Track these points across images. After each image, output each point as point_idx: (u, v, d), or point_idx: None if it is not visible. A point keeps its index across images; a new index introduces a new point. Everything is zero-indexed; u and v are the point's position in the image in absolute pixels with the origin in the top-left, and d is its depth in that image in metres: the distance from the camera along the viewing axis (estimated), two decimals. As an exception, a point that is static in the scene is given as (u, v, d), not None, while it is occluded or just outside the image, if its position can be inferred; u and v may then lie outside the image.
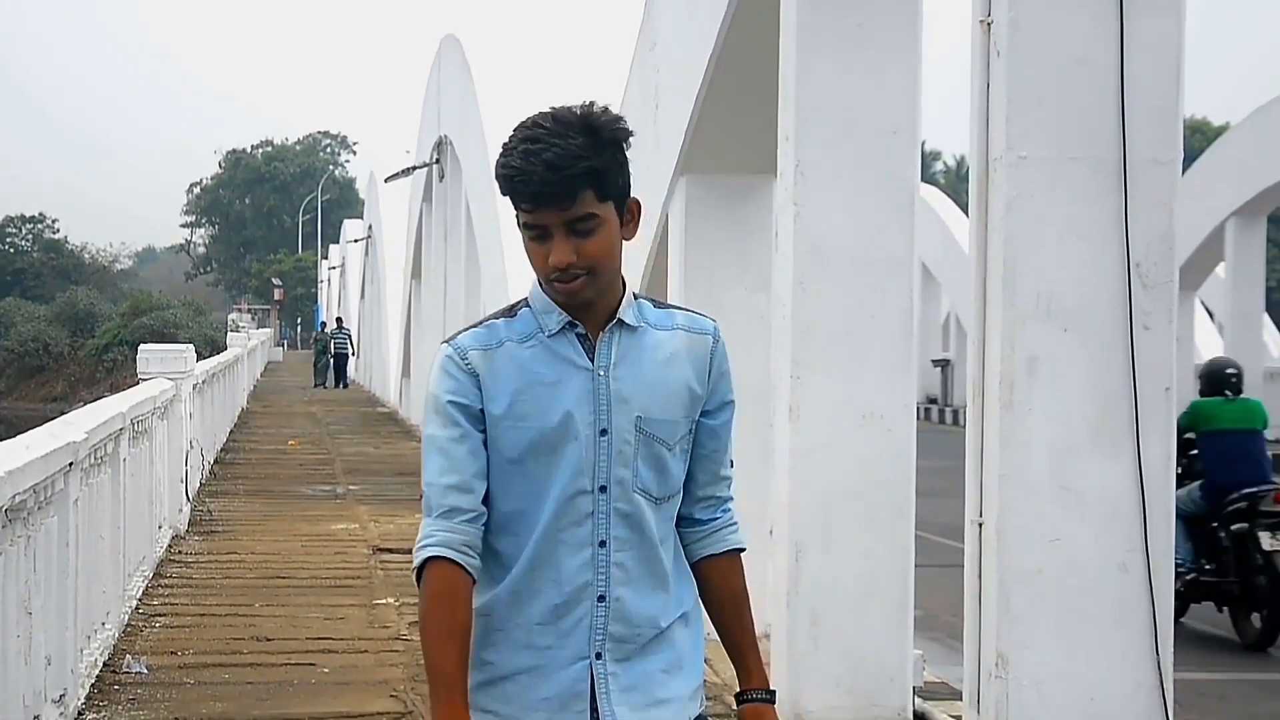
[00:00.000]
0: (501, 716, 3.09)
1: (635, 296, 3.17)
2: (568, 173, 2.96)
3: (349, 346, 49.90)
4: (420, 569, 3.04)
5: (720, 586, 3.27)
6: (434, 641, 2.99)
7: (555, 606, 3.06)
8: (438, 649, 2.99)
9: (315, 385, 47.35)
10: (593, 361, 3.08)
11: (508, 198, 3.02)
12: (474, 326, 3.14)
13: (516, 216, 3.03)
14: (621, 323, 3.11)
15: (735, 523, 3.31)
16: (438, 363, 3.10)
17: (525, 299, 3.15)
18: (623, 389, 3.08)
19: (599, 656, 3.08)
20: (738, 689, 3.26)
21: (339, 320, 53.06)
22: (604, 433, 3.06)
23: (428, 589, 3.02)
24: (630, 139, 3.07)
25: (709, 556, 3.26)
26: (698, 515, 3.25)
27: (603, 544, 3.07)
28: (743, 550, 3.31)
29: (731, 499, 3.31)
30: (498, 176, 3.01)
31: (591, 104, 3.05)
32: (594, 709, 3.07)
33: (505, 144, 3.02)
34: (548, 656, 3.07)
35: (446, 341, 3.13)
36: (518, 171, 2.97)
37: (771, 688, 3.28)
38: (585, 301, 3.06)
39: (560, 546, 3.06)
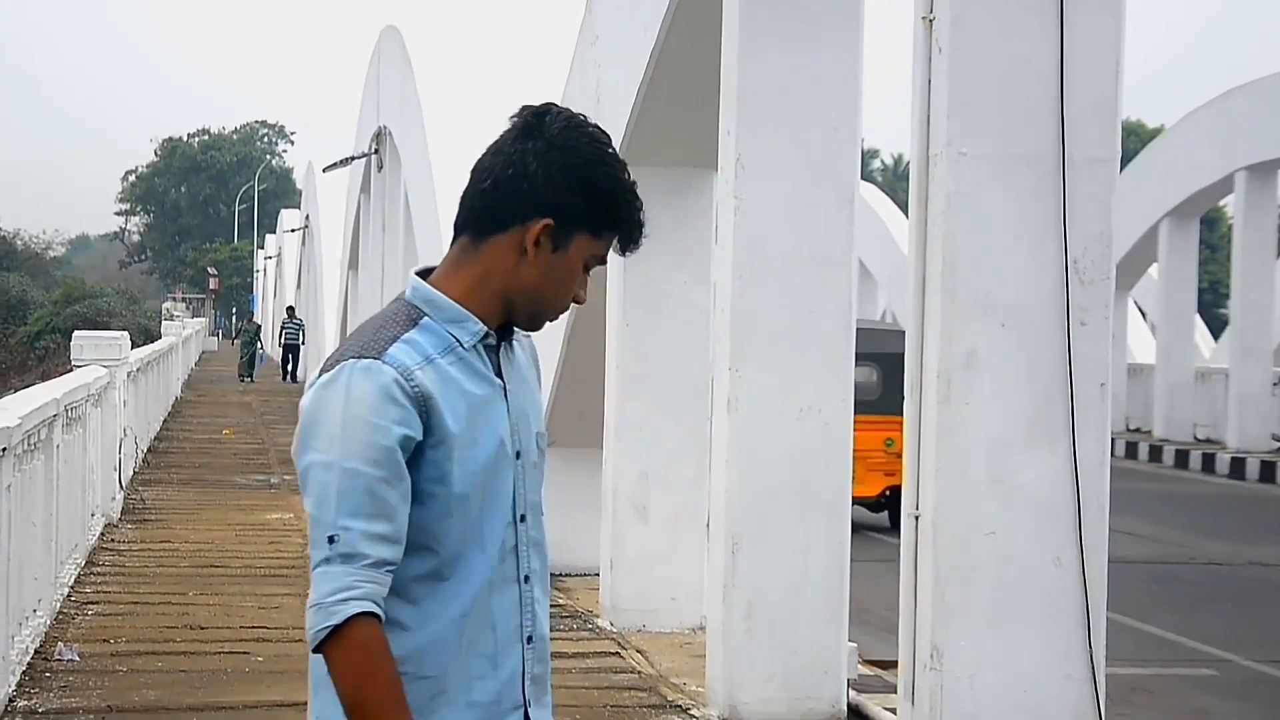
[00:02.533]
0: None
1: None
2: None
3: (300, 336, 44.65)
4: (338, 626, 2.60)
5: None
6: (385, 704, 2.61)
7: (492, 656, 2.76)
8: (393, 711, 2.62)
9: (241, 379, 42.49)
10: (501, 378, 2.80)
11: (597, 227, 2.76)
12: (390, 342, 2.71)
13: (572, 241, 2.75)
14: (514, 334, 2.87)
15: None
16: (369, 384, 2.65)
17: (409, 304, 2.79)
18: (521, 405, 2.83)
19: (529, 704, 2.83)
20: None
21: (290, 310, 48.13)
22: (518, 455, 2.79)
23: (366, 648, 2.60)
24: None
25: None
26: None
27: (526, 579, 2.80)
28: None
29: None
30: (629, 219, 2.77)
31: None
32: None
33: (616, 174, 2.75)
34: (490, 712, 2.77)
35: (373, 358, 2.67)
36: (642, 216, 2.80)
37: None
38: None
39: (496, 588, 2.75)
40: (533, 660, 2.80)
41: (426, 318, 2.74)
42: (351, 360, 2.69)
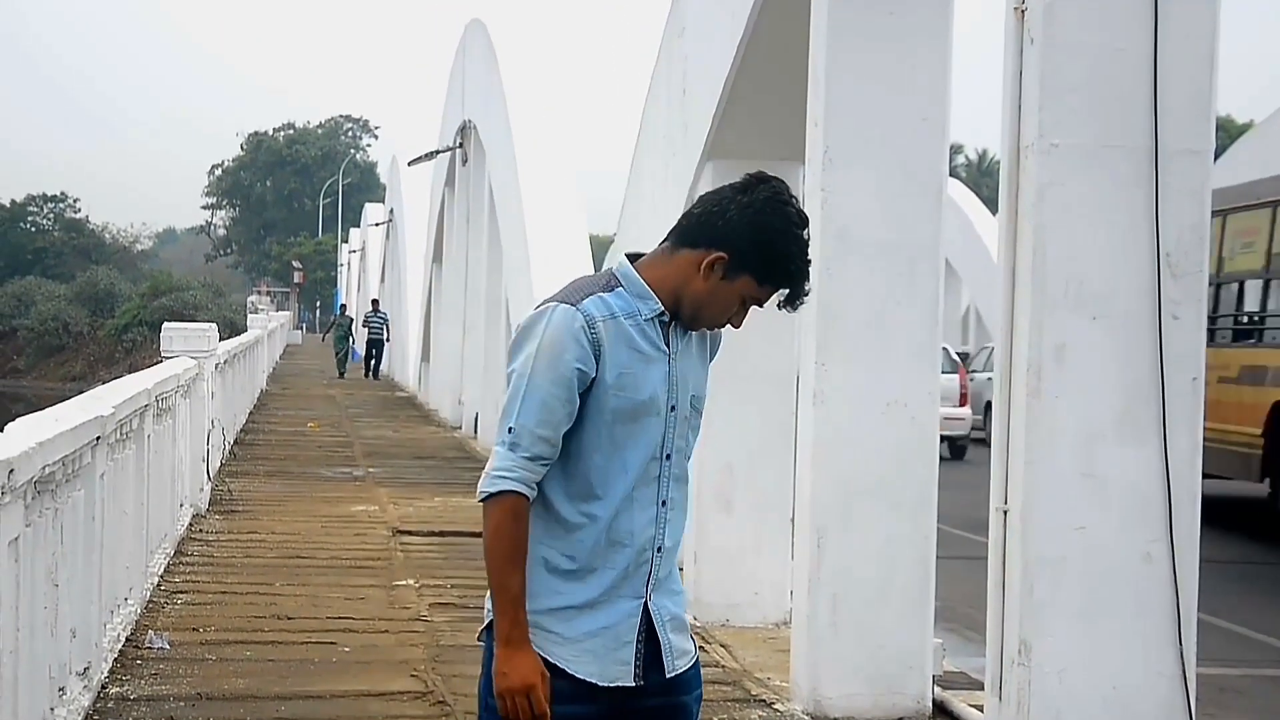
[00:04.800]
0: (563, 638, 3.59)
1: None
2: None
3: (385, 332, 42.61)
4: (494, 493, 3.52)
5: None
6: (506, 560, 3.52)
7: (631, 555, 3.60)
8: (509, 567, 3.53)
9: (339, 376, 41.28)
10: (668, 348, 3.62)
11: (762, 276, 3.54)
12: (588, 295, 3.57)
13: (739, 278, 3.54)
14: None
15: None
16: (564, 323, 3.51)
17: (612, 274, 3.64)
18: (684, 372, 3.66)
19: (650, 597, 3.64)
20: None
21: (375, 303, 45.83)
22: (673, 408, 3.63)
23: (505, 513, 3.52)
24: None
25: None
26: None
27: (664, 503, 3.65)
28: None
29: None
30: (794, 281, 3.56)
31: None
32: (637, 639, 3.62)
33: (793, 244, 3.53)
34: (613, 594, 3.61)
35: (570, 304, 3.54)
36: (808, 285, 3.61)
37: None
38: None
39: (636, 504, 3.61)
40: (659, 566, 3.65)
41: (620, 288, 3.60)
42: (557, 303, 3.55)
